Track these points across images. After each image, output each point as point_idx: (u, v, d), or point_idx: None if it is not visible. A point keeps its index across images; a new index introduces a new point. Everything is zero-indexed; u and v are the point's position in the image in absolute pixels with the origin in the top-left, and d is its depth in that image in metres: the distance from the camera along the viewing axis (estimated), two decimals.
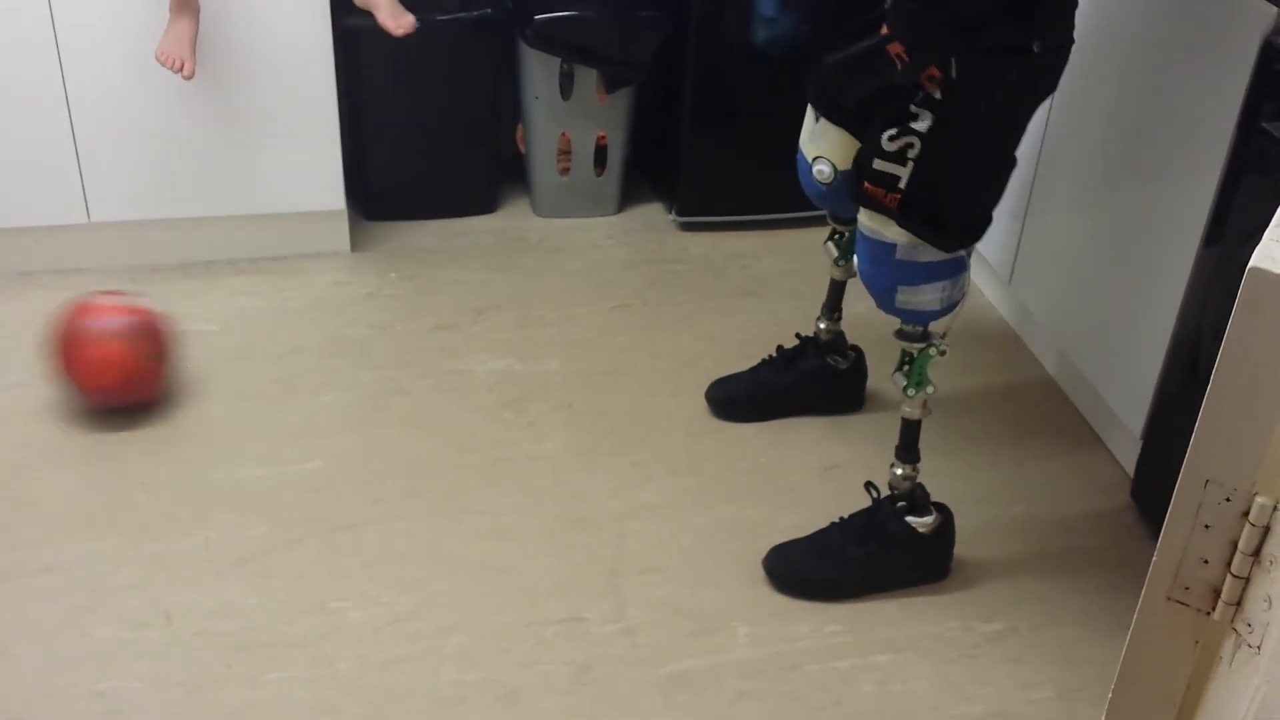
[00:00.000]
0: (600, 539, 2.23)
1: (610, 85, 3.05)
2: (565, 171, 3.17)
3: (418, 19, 2.88)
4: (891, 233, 1.88)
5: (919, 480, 2.13)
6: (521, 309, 2.85)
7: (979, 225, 1.95)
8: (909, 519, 2.12)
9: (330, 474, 2.35)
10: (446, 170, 3.12)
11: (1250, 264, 0.84)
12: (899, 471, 2.11)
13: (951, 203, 1.88)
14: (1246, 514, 0.89)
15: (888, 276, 1.93)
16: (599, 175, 3.19)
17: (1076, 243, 2.49)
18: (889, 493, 2.14)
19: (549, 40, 2.93)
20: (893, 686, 1.99)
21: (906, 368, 2.05)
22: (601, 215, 3.25)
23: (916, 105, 1.79)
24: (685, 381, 2.59)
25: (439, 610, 2.07)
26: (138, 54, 2.62)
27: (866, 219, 1.91)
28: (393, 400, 2.55)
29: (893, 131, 1.82)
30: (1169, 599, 0.95)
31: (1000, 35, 1.77)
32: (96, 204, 2.78)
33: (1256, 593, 0.89)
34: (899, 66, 1.76)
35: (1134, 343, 2.30)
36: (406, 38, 2.71)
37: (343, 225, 2.99)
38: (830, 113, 2.06)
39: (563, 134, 3.12)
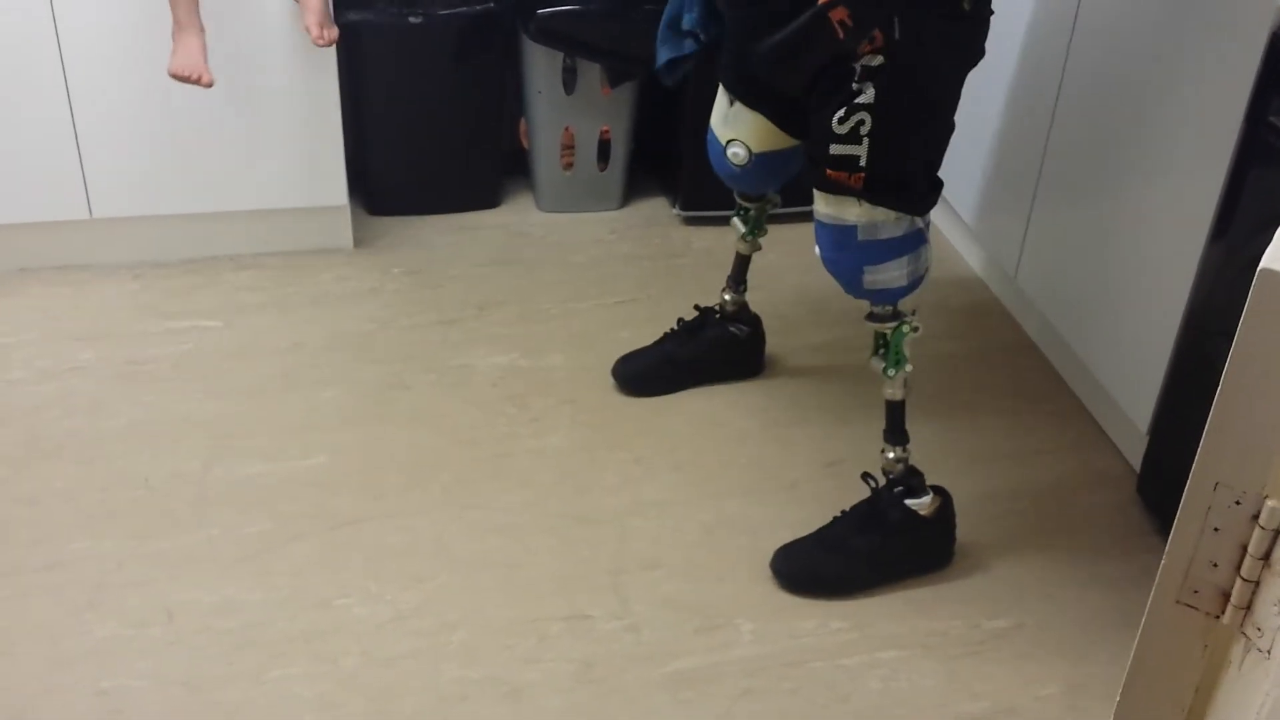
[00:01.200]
0: (603, 535, 2.23)
1: (613, 80, 3.04)
2: (568, 166, 3.16)
3: (422, 12, 2.88)
4: (850, 215, 1.89)
5: (911, 463, 2.13)
6: (524, 304, 2.85)
7: (934, 188, 1.96)
8: (908, 503, 2.12)
9: (333, 470, 2.34)
10: (449, 165, 3.11)
11: (1261, 265, 0.83)
12: (890, 455, 2.11)
13: (910, 168, 1.90)
14: (1256, 517, 0.88)
15: (852, 259, 1.94)
16: (602, 170, 3.18)
17: (1082, 236, 2.48)
18: (885, 480, 2.14)
19: (552, 35, 2.92)
20: (898, 683, 1.98)
21: (883, 350, 2.05)
22: (605, 210, 3.24)
23: (858, 81, 1.80)
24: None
25: (442, 607, 2.07)
26: (139, 49, 2.61)
27: (823, 206, 1.92)
28: (395, 396, 2.54)
29: (841, 113, 1.83)
30: (1178, 602, 0.94)
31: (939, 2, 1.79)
32: (98, 200, 2.77)
33: (1267, 597, 0.88)
34: (841, 35, 1.75)
35: (1140, 337, 2.28)
36: (398, 35, 2.68)
37: (345, 221, 2.98)
38: (748, 99, 2.07)
39: (566, 129, 3.11)
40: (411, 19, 2.89)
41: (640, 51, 2.96)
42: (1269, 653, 0.88)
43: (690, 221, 3.18)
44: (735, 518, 2.27)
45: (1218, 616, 0.92)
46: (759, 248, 2.48)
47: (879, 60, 1.79)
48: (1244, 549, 0.89)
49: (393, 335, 2.72)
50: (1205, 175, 2.07)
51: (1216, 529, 0.90)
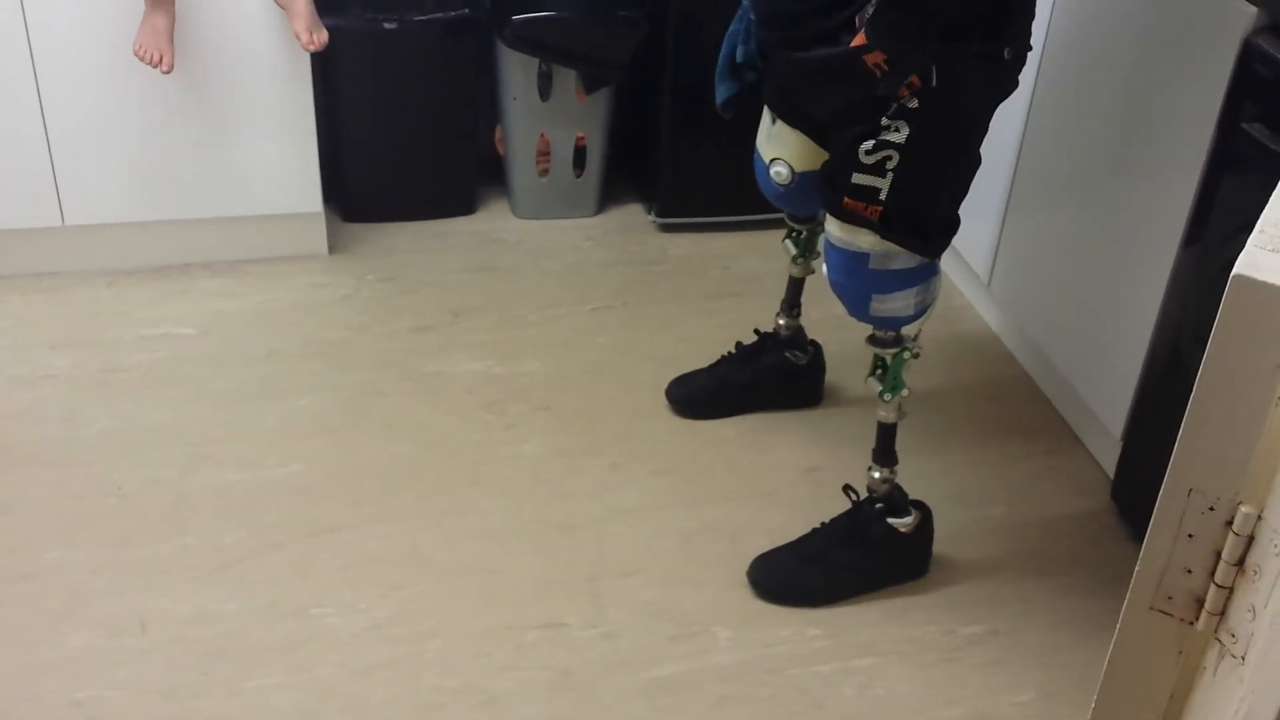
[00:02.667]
0: (581, 541, 2.22)
1: (589, 86, 3.04)
2: (544, 172, 3.16)
3: (397, 18, 2.87)
4: (865, 242, 1.88)
5: (896, 481, 2.13)
6: (500, 310, 2.84)
7: (954, 227, 1.96)
8: (890, 520, 2.12)
9: (308, 477, 2.33)
10: (425, 172, 3.11)
11: (1234, 271, 0.84)
12: (877, 475, 2.11)
13: (930, 209, 1.88)
14: (1230, 523, 0.88)
15: (861, 286, 1.93)
16: (578, 176, 3.18)
17: (1056, 243, 2.49)
18: (867, 495, 2.14)
19: (527, 41, 2.91)
20: (874, 690, 1.98)
21: (880, 372, 2.05)
22: (581, 216, 3.23)
23: (890, 117, 1.78)
24: (666, 383, 2.57)
25: (418, 615, 2.06)
26: (112, 55, 2.60)
27: (837, 230, 1.90)
28: (371, 403, 2.53)
29: (869, 145, 1.81)
30: (1152, 608, 0.94)
31: (977, 43, 1.77)
32: (71, 207, 2.75)
33: (1240, 602, 0.89)
34: (879, 76, 1.75)
35: (1114, 343, 2.30)
36: (374, 41, 2.67)
37: (320, 227, 2.97)
38: (788, 116, 2.06)
39: (541, 135, 3.11)
40: (386, 25, 2.88)
41: (615, 57, 2.97)
42: (1243, 658, 0.89)
43: (666, 228, 3.18)
44: (713, 524, 2.27)
45: (1192, 623, 0.93)
46: (812, 270, 2.41)
47: (915, 104, 1.77)
48: (1218, 555, 0.90)
49: (368, 342, 2.71)
50: (1178, 182, 2.08)
51: (1190, 535, 0.90)
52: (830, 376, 2.59)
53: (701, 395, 2.54)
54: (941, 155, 1.85)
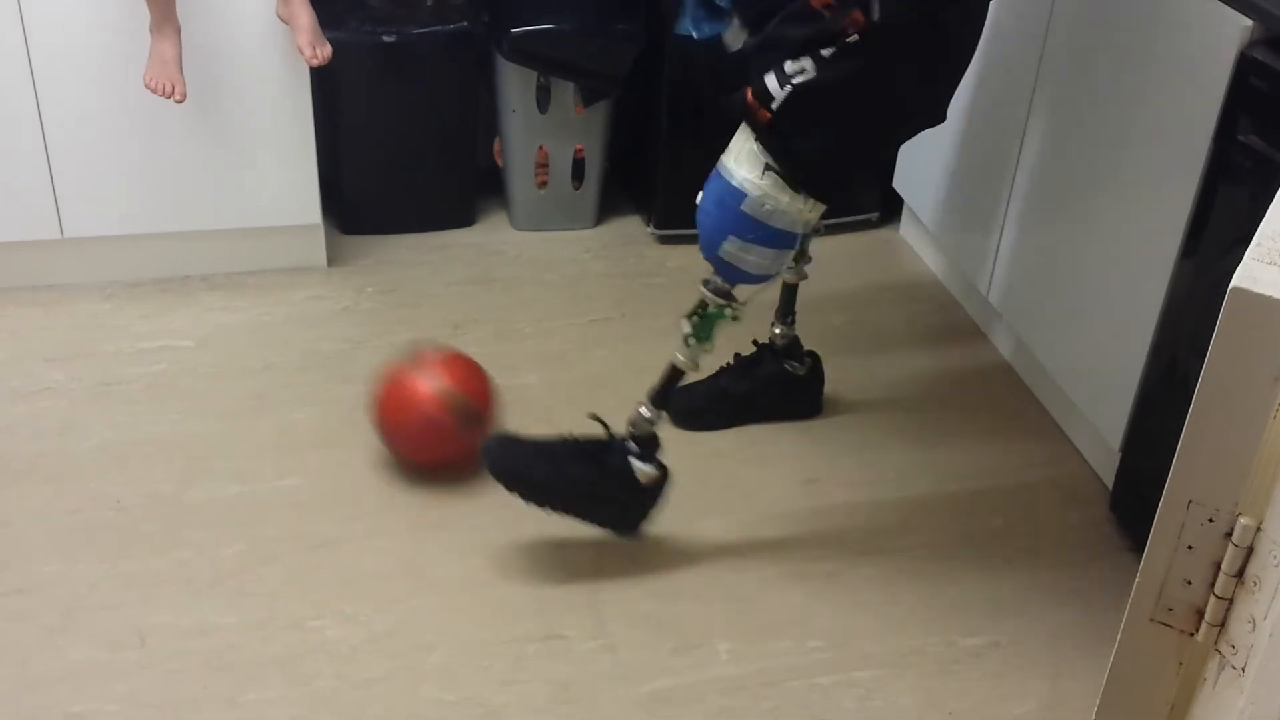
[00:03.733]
0: (580, 555, 2.22)
1: (587, 98, 3.05)
2: (543, 185, 3.16)
3: (395, 31, 2.88)
4: (750, 184, 1.89)
5: (655, 430, 2.13)
6: (499, 323, 2.84)
7: (835, 185, 1.95)
8: (631, 459, 2.12)
9: (306, 491, 2.33)
10: (423, 184, 3.11)
11: (1232, 284, 0.84)
12: (644, 412, 2.12)
13: (820, 141, 1.88)
14: (1229, 535, 0.89)
15: (724, 222, 1.94)
16: (576, 188, 3.19)
17: (1054, 255, 2.49)
18: (627, 430, 2.14)
19: (525, 54, 2.92)
20: (874, 702, 1.98)
21: (698, 317, 2.06)
22: (579, 228, 3.24)
23: (830, 49, 1.81)
24: None
25: (417, 628, 2.06)
26: (111, 68, 2.61)
27: (731, 158, 1.93)
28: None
29: (797, 58, 1.83)
30: (1152, 620, 0.94)
31: None
32: (70, 219, 2.75)
33: (1240, 614, 0.89)
34: (825, 16, 1.78)
35: (1112, 354, 2.30)
36: (373, 54, 2.68)
37: (319, 240, 2.98)
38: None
39: (540, 147, 3.11)
40: (385, 37, 2.89)
41: (613, 70, 2.98)
42: (1243, 670, 0.89)
43: (665, 240, 3.19)
44: (713, 538, 2.27)
45: (1192, 634, 0.93)
46: (805, 276, 2.43)
47: (854, 38, 1.79)
48: (1218, 566, 0.90)
49: (367, 355, 2.71)
50: (1175, 193, 2.08)
51: (1190, 547, 0.91)
52: (829, 388, 2.59)
53: (700, 407, 2.54)
54: (849, 97, 1.85)
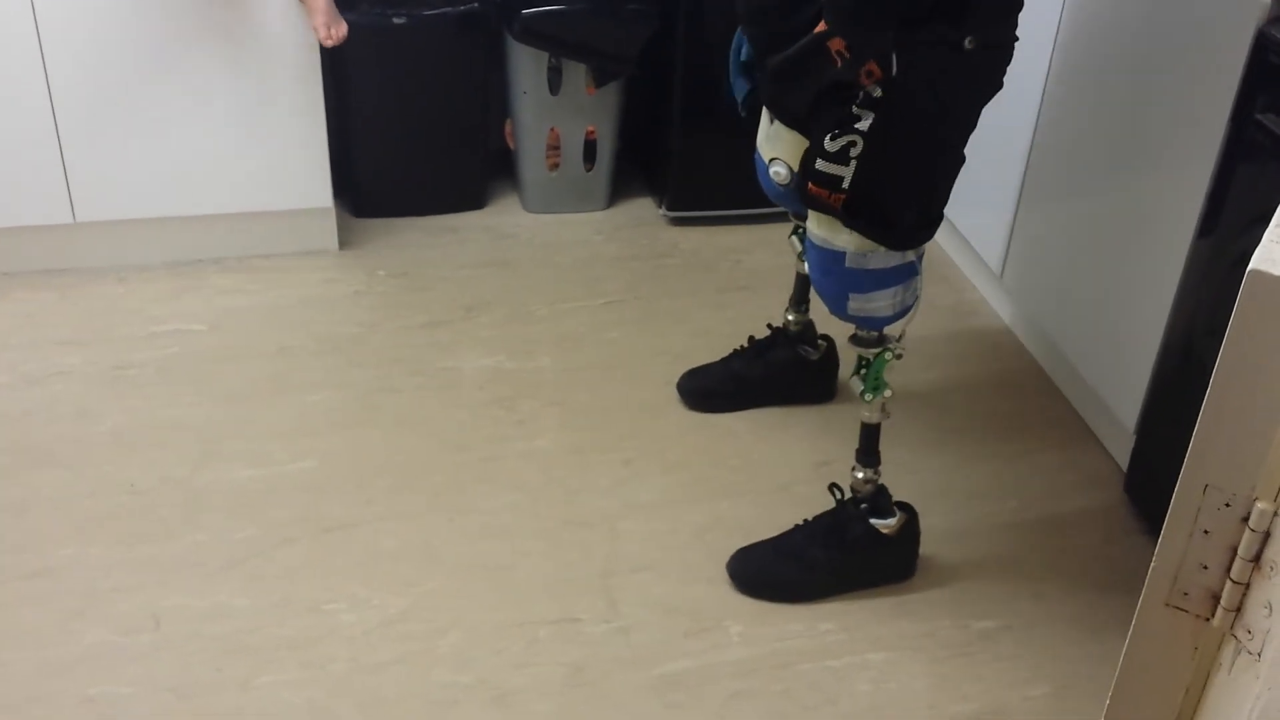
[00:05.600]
0: (593, 537, 2.22)
1: (599, 79, 3.04)
2: (554, 167, 3.16)
3: (406, 14, 2.87)
4: (840, 240, 1.87)
5: (881, 483, 2.11)
6: (512, 305, 2.84)
7: (928, 225, 1.93)
8: (873, 521, 2.11)
9: (321, 474, 2.33)
10: (435, 166, 3.11)
11: (1250, 266, 0.83)
12: (860, 475, 2.10)
13: (897, 201, 1.86)
14: (1246, 519, 0.88)
15: (838, 285, 1.93)
16: (588, 170, 3.18)
17: (1069, 235, 2.48)
18: (851, 495, 2.13)
19: (537, 35, 2.91)
20: (887, 685, 1.98)
21: (864, 372, 2.04)
22: (591, 210, 3.23)
23: (858, 106, 1.78)
24: (677, 377, 2.57)
25: (431, 611, 2.06)
26: (123, 52, 2.60)
27: (815, 227, 1.90)
28: (383, 399, 2.53)
29: (835, 131, 1.80)
30: (1167, 605, 0.93)
31: (935, 31, 1.75)
32: (82, 204, 2.76)
33: (1256, 599, 0.88)
34: (838, 64, 1.74)
35: (1127, 335, 2.29)
36: (383, 36, 2.66)
37: (330, 223, 2.97)
38: (784, 115, 2.04)
39: (551, 129, 3.10)
40: (396, 20, 2.88)
41: (625, 51, 2.97)
42: (1259, 655, 0.88)
43: (677, 222, 3.18)
44: (726, 519, 2.27)
45: (1208, 619, 0.92)
46: None
47: (879, 93, 1.76)
48: (1234, 551, 0.89)
49: (380, 338, 2.71)
50: (1192, 173, 2.07)
51: (1206, 531, 0.90)
52: (843, 372, 2.59)
53: (714, 388, 2.54)
54: (907, 146, 1.83)
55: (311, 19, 2.59)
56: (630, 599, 2.10)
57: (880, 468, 2.10)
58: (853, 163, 1.80)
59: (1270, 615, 0.87)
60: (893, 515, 2.12)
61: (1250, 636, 0.89)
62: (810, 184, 1.85)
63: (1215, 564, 0.91)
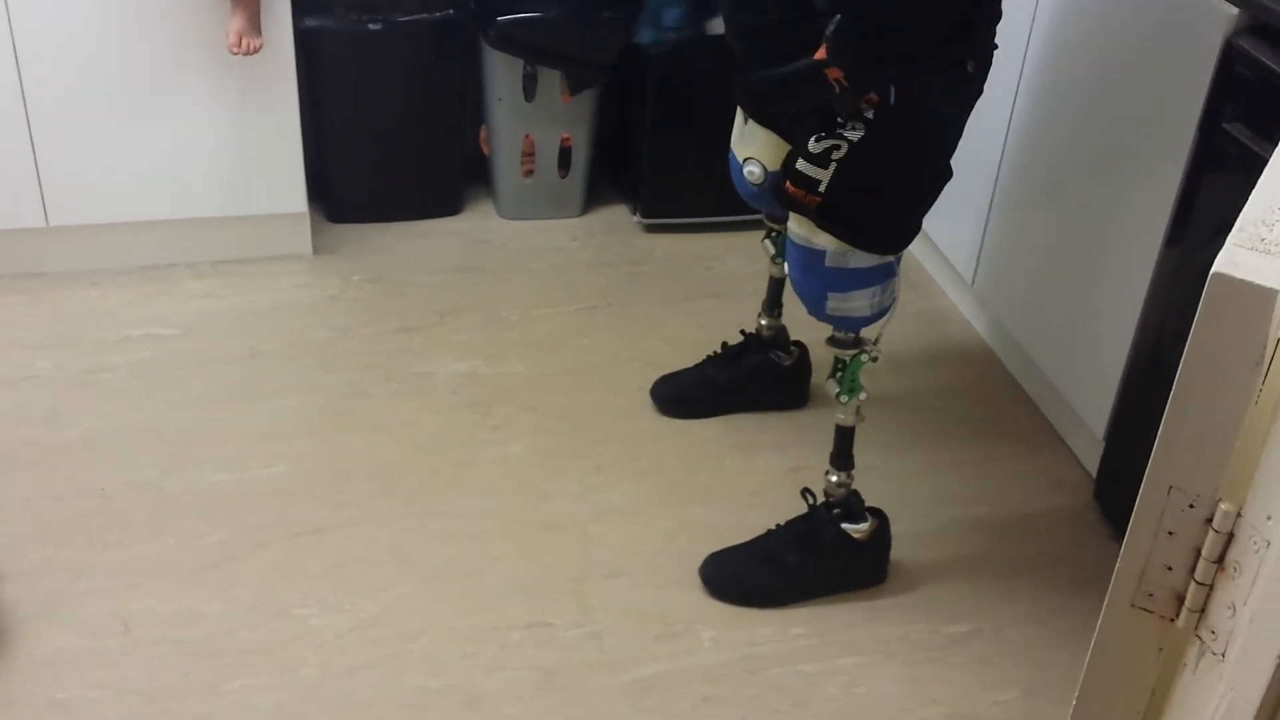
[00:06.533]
0: (566, 542, 2.22)
1: (574, 87, 3.04)
2: (529, 173, 3.16)
3: (382, 19, 2.86)
4: (820, 240, 1.88)
5: (854, 487, 2.12)
6: (486, 311, 2.84)
7: (905, 233, 1.94)
8: (844, 525, 2.12)
9: (292, 479, 2.32)
10: (410, 172, 3.10)
11: (1213, 269, 0.84)
12: (834, 479, 2.11)
13: (875, 208, 1.87)
14: (1210, 520, 0.89)
15: (817, 283, 1.93)
16: (563, 177, 3.18)
17: (1039, 243, 2.50)
18: (824, 499, 2.14)
19: (512, 41, 2.91)
20: (858, 689, 1.98)
21: (839, 374, 2.05)
22: (566, 217, 3.23)
23: (847, 117, 1.79)
24: (650, 383, 2.58)
25: (403, 616, 2.06)
26: (97, 54, 2.59)
27: (796, 225, 1.91)
28: (356, 403, 2.53)
29: (820, 134, 1.81)
30: (1133, 605, 0.94)
31: (938, 58, 1.77)
32: (55, 207, 2.74)
33: (1220, 600, 0.89)
34: (837, 91, 1.75)
35: (1096, 342, 2.30)
36: (358, 41, 2.64)
37: (305, 228, 2.97)
38: (758, 116, 2.05)
39: (526, 136, 3.11)
40: (371, 25, 2.88)
41: (600, 59, 2.97)
42: (1223, 655, 0.89)
43: (651, 229, 3.18)
44: (697, 525, 2.27)
45: (1172, 620, 0.93)
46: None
47: (872, 114, 1.77)
48: (1198, 552, 0.90)
49: (353, 343, 2.70)
50: (1160, 182, 2.09)
51: (1171, 532, 0.91)
52: (816, 378, 2.59)
53: (686, 394, 2.54)
54: (893, 159, 1.84)
55: (230, 22, 2.56)
56: (602, 604, 2.10)
57: (853, 472, 2.11)
58: (832, 165, 1.81)
59: (1234, 616, 0.88)
60: (865, 520, 2.12)
61: (1214, 637, 0.90)
62: (788, 183, 1.86)
63: (1180, 565, 0.91)
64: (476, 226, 3.18)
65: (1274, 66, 1.84)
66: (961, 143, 2.74)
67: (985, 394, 2.68)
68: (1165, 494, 0.90)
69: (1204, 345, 0.86)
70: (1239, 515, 0.87)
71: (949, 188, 2.54)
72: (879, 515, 2.16)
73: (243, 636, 2.00)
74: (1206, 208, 1.99)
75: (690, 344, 2.65)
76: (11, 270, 2.83)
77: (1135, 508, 0.92)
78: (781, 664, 2.02)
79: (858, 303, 1.94)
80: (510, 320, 2.81)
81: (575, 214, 3.25)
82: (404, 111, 3.01)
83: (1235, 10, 1.91)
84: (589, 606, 2.10)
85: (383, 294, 2.88)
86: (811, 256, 1.91)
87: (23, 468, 2.31)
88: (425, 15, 2.92)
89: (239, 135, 2.76)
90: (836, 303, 1.94)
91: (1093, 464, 2.40)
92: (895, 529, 2.17)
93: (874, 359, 2.04)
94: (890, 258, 1.93)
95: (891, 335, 2.80)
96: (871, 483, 2.20)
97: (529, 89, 3.03)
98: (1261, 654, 0.85)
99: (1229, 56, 1.92)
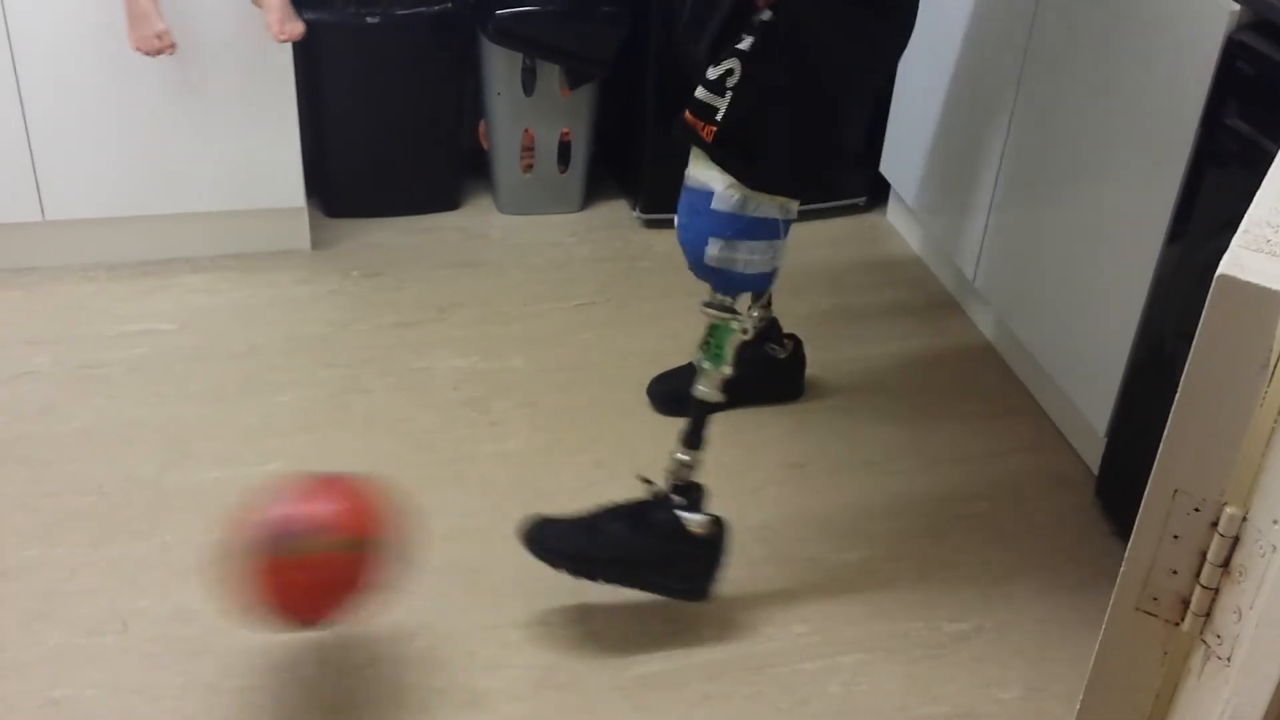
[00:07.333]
0: None
1: (573, 81, 3.03)
2: (528, 168, 3.15)
3: (380, 13, 2.86)
4: (713, 179, 1.83)
5: (696, 481, 2.01)
6: (484, 306, 2.83)
7: (797, 178, 1.87)
8: (679, 513, 1.99)
9: (290, 475, 2.31)
10: (408, 167, 3.09)
11: (1218, 271, 0.83)
12: (680, 456, 1.98)
13: (769, 140, 1.83)
14: (1215, 524, 0.88)
15: (700, 226, 1.87)
16: (562, 172, 3.17)
17: (1041, 239, 2.49)
18: (669, 482, 2.02)
19: (511, 35, 2.90)
20: (859, 687, 1.98)
21: (709, 340, 1.97)
22: (565, 212, 3.22)
23: (744, 31, 1.77)
24: (649, 379, 2.57)
25: (402, 615, 2.05)
26: (93, 48, 2.58)
27: (692, 167, 1.87)
28: (354, 399, 2.52)
29: (718, 59, 1.79)
30: (1137, 609, 0.94)
31: None
32: (51, 202, 2.73)
33: (1226, 604, 0.89)
34: None
35: (1098, 339, 2.30)
36: (356, 35, 2.64)
37: (303, 222, 2.96)
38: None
39: (526, 130, 3.10)
40: (369, 19, 2.87)
41: (599, 53, 2.96)
42: (1229, 660, 0.88)
43: (651, 224, 3.17)
44: None
45: (1177, 624, 0.92)
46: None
47: (768, 15, 1.74)
48: (1203, 556, 0.89)
49: (351, 338, 2.69)
50: (1162, 178, 2.08)
51: (1176, 536, 0.90)
52: (814, 371, 2.59)
53: (681, 392, 2.52)
54: (791, 86, 1.80)
55: (266, 15, 2.56)
56: (601, 601, 2.09)
57: (701, 454, 1.99)
58: (728, 94, 1.79)
59: (1239, 620, 0.87)
60: (703, 515, 2.00)
61: (1220, 641, 0.89)
62: (688, 111, 1.84)
63: (1185, 569, 0.91)
64: (475, 221, 3.17)
65: (1277, 62, 1.83)
66: (963, 137, 2.73)
67: (986, 390, 2.68)
68: (1170, 497, 0.89)
69: (1209, 348, 0.85)
70: (1245, 519, 0.87)
71: (951, 183, 2.53)
72: (719, 523, 2.01)
73: (241, 635, 1.99)
74: (1209, 204, 1.98)
75: (690, 340, 2.60)
76: (7, 265, 2.82)
77: (1140, 511, 0.91)
78: (782, 661, 2.01)
79: (740, 254, 1.87)
80: (509, 316, 2.81)
81: (574, 209, 3.24)
82: (402, 106, 3.00)
83: (1237, 6, 1.90)
84: (588, 604, 2.09)
85: (381, 289, 2.87)
86: (700, 198, 1.86)
87: (19, 463, 2.30)
88: (424, 9, 2.91)
89: (237, 129, 2.75)
90: (717, 249, 1.87)
91: (1094, 461, 2.39)
92: (897, 526, 2.17)
93: (745, 332, 1.96)
94: (779, 214, 1.87)
95: (892, 332, 2.81)
96: (872, 479, 2.20)
97: (528, 83, 3.02)
98: (1267, 659, 0.84)
99: (1231, 53, 1.92)
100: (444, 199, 3.19)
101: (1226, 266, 0.83)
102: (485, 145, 3.19)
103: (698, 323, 2.75)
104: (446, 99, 3.05)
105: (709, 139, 1.82)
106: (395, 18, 2.88)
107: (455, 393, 2.55)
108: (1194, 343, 0.85)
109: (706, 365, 1.98)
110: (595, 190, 3.28)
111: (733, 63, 1.78)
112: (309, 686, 1.92)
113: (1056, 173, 2.42)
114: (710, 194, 1.85)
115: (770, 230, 1.89)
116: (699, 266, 1.92)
